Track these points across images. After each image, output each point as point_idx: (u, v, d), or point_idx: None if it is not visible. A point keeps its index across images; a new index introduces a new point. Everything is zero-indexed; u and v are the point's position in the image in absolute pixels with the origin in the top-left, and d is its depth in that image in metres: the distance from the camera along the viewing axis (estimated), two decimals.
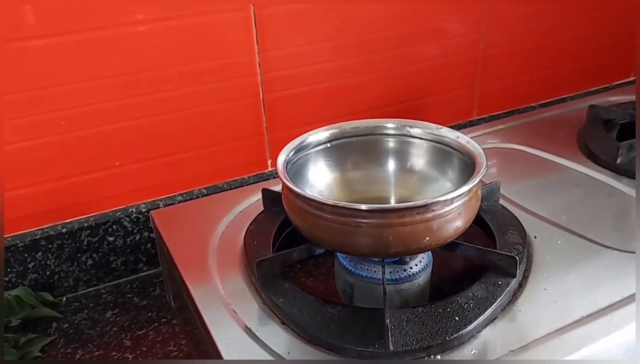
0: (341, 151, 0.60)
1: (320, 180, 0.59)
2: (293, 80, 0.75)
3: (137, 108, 0.67)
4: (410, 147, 0.60)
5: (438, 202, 0.46)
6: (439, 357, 0.45)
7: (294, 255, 0.54)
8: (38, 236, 0.67)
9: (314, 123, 0.61)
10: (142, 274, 0.74)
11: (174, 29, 0.65)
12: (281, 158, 0.53)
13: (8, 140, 0.62)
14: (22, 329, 0.63)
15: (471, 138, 0.55)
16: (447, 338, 0.45)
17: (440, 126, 0.58)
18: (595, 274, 0.53)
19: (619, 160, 0.70)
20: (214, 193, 0.74)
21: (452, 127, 0.58)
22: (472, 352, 0.45)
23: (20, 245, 0.66)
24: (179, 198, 0.74)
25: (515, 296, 0.51)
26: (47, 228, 0.68)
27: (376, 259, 0.52)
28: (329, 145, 0.60)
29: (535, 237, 0.58)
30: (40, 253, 0.67)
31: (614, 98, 0.92)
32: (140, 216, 0.71)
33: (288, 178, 0.50)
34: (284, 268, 0.54)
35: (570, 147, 0.77)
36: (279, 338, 0.47)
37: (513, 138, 0.80)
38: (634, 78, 1.04)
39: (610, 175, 0.69)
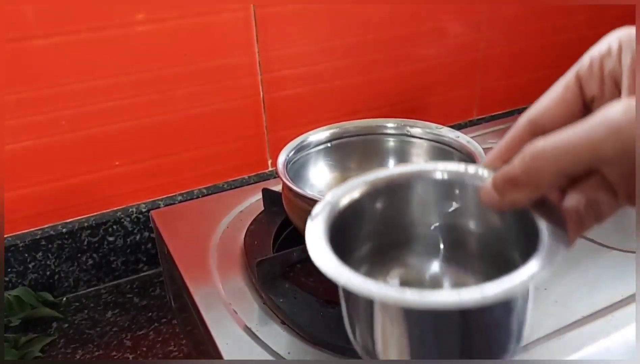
0: (341, 151, 0.60)
1: (320, 180, 0.59)
2: (293, 80, 0.75)
3: (137, 108, 0.67)
4: (411, 146, 0.60)
5: None
6: None
7: (294, 254, 0.54)
8: (38, 236, 0.67)
9: (314, 123, 0.61)
10: (142, 274, 0.74)
11: (174, 29, 0.65)
12: (281, 158, 0.53)
13: (8, 140, 0.62)
14: (22, 329, 0.63)
15: (471, 137, 0.55)
16: None
17: (440, 126, 0.58)
18: (596, 274, 0.53)
19: None
20: (214, 193, 0.74)
21: (452, 127, 0.58)
22: None
23: (21, 244, 0.66)
24: (179, 198, 0.74)
25: None
26: (47, 228, 0.68)
27: None
28: (329, 144, 0.60)
29: None
30: (40, 253, 0.67)
31: None
32: (141, 216, 0.71)
33: (288, 178, 0.50)
34: (284, 268, 0.54)
35: None
36: (279, 338, 0.47)
37: None
38: None
39: None
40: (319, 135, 0.59)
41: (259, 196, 0.64)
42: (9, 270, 0.66)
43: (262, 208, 0.63)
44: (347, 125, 0.60)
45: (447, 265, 0.37)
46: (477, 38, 0.86)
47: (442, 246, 0.37)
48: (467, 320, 0.28)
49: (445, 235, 0.37)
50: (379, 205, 0.36)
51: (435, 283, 0.37)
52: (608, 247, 0.56)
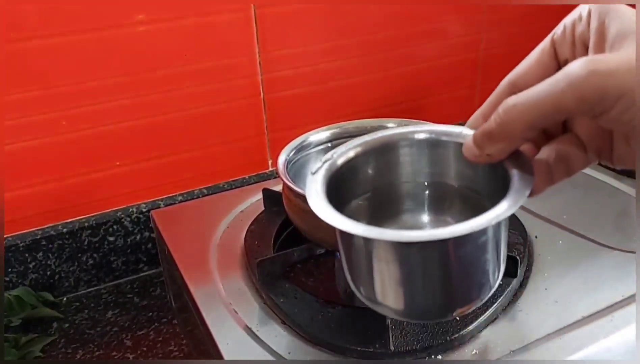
0: None
1: None
2: (294, 80, 0.75)
3: (137, 108, 0.67)
4: None
5: None
6: (439, 357, 0.45)
7: (294, 254, 0.54)
8: (39, 236, 0.67)
9: (315, 123, 0.61)
10: (142, 274, 0.74)
11: (174, 29, 0.65)
12: (282, 158, 0.53)
13: (8, 140, 0.62)
14: (22, 329, 0.63)
15: None
16: (448, 338, 0.45)
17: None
18: (596, 274, 0.53)
19: None
20: (214, 193, 0.74)
21: None
22: (473, 352, 0.45)
23: (21, 244, 0.66)
24: (180, 198, 0.74)
25: (516, 296, 0.51)
26: (47, 228, 0.68)
27: None
28: (329, 145, 0.60)
29: (536, 237, 0.58)
30: (40, 253, 0.67)
31: None
32: (141, 216, 0.71)
33: (289, 178, 0.50)
34: (285, 268, 0.54)
35: None
36: (279, 338, 0.47)
37: None
38: None
39: (611, 175, 0.69)
40: (320, 135, 0.59)
41: (260, 196, 0.64)
42: (10, 269, 0.66)
43: (263, 208, 0.64)
44: (348, 125, 0.60)
45: (432, 217, 0.41)
46: (477, 38, 0.86)
47: (428, 201, 0.41)
48: (445, 255, 0.32)
49: (431, 190, 0.40)
50: (371, 164, 0.39)
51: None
52: (609, 247, 0.56)
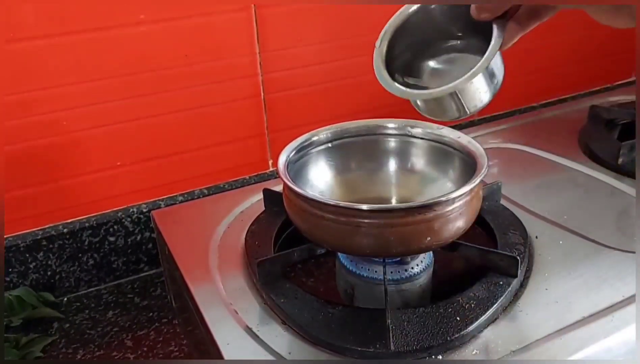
0: (342, 151, 0.60)
1: (321, 180, 0.59)
2: (294, 80, 0.75)
3: (137, 108, 0.67)
4: (412, 147, 0.60)
5: (439, 202, 0.46)
6: (440, 357, 0.45)
7: (295, 255, 0.54)
8: (39, 236, 0.67)
9: (315, 123, 0.61)
10: (143, 274, 0.74)
11: (175, 29, 0.65)
12: (282, 158, 0.53)
13: (8, 140, 0.62)
14: (23, 329, 0.63)
15: (472, 138, 0.55)
16: (449, 338, 0.45)
17: (441, 126, 0.58)
18: (597, 274, 0.53)
19: (620, 160, 0.70)
20: (215, 194, 0.74)
21: (453, 127, 0.58)
22: (474, 352, 0.45)
23: (22, 245, 0.66)
24: (180, 198, 0.74)
25: (516, 296, 0.51)
26: (48, 228, 0.68)
27: (377, 259, 0.52)
28: (330, 145, 0.60)
29: (536, 237, 0.58)
30: (41, 253, 0.67)
31: (615, 99, 0.92)
32: (142, 216, 0.71)
33: (289, 178, 0.50)
34: (285, 268, 0.54)
35: (571, 147, 0.77)
36: (280, 338, 0.47)
37: (514, 139, 0.80)
38: (635, 78, 1.04)
39: (611, 175, 0.69)
40: (320, 135, 0.59)
41: (260, 196, 0.65)
42: (10, 270, 0.66)
43: (263, 209, 0.64)
44: (348, 125, 0.61)
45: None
46: None
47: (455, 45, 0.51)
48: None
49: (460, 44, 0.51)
50: (413, 24, 0.52)
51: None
52: (609, 247, 0.56)
